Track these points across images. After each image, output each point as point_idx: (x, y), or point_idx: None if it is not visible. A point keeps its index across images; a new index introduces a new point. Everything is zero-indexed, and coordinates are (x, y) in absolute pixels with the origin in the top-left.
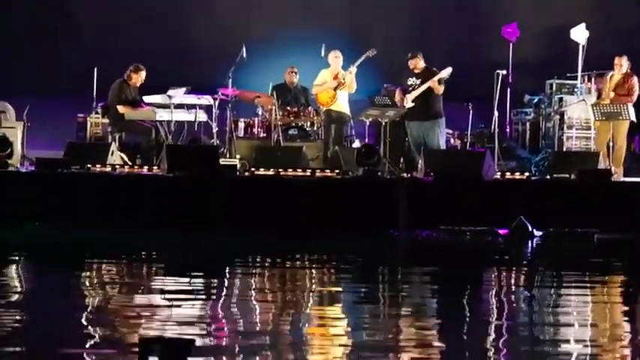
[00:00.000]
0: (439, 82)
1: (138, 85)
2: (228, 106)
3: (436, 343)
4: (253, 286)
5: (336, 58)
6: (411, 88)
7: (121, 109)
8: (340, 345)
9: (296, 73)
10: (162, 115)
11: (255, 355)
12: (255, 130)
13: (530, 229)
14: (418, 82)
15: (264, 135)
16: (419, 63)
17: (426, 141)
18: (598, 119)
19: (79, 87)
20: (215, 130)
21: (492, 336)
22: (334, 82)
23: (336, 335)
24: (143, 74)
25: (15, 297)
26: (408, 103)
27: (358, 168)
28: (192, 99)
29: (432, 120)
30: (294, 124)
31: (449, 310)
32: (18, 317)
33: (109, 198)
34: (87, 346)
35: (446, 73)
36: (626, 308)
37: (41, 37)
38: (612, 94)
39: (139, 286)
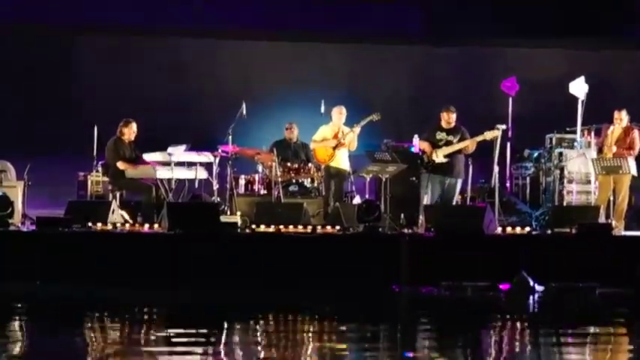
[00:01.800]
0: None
1: (132, 139)
2: (229, 163)
3: None
4: (253, 343)
5: (339, 114)
6: (441, 143)
7: (120, 165)
8: None
9: (293, 130)
10: (163, 172)
11: None
12: (255, 187)
13: (531, 283)
14: (451, 137)
15: (265, 192)
16: (453, 118)
17: (444, 197)
18: (599, 173)
19: (80, 145)
20: (215, 187)
21: None
22: (333, 142)
23: None
24: (134, 126)
25: (17, 353)
26: (440, 158)
27: (359, 224)
28: (192, 156)
29: (456, 178)
30: (294, 181)
31: None
32: None
33: (110, 256)
34: None
35: (492, 135)
36: None
37: (41, 96)
38: (614, 148)
39: (140, 344)
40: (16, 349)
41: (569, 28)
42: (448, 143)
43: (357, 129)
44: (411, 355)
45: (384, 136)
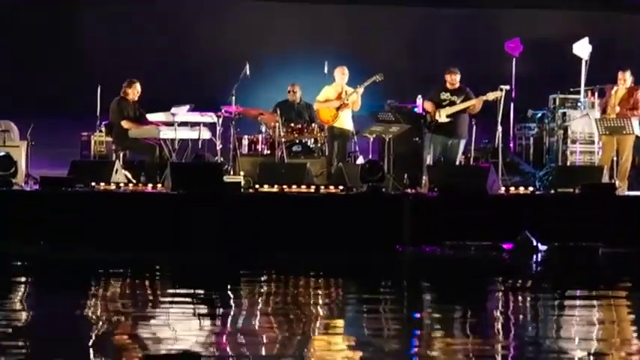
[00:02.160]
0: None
1: (136, 99)
2: (232, 123)
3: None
4: (260, 301)
5: (342, 74)
6: (445, 103)
7: (125, 124)
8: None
9: (296, 91)
10: (166, 133)
11: None
12: (259, 147)
13: (534, 243)
14: (454, 98)
15: (268, 152)
16: (457, 79)
17: (447, 157)
18: (602, 134)
19: (83, 105)
20: (219, 147)
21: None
22: (337, 102)
23: (340, 350)
24: (138, 87)
25: (19, 318)
26: (442, 118)
27: (362, 184)
28: (195, 117)
29: (459, 139)
30: (297, 141)
31: (453, 324)
32: (22, 336)
33: (113, 216)
34: None
35: (494, 95)
36: (634, 324)
37: (44, 55)
38: (617, 109)
39: (144, 304)
40: (20, 310)
41: None
42: (452, 103)
43: (361, 89)
44: (417, 315)
45: (388, 96)
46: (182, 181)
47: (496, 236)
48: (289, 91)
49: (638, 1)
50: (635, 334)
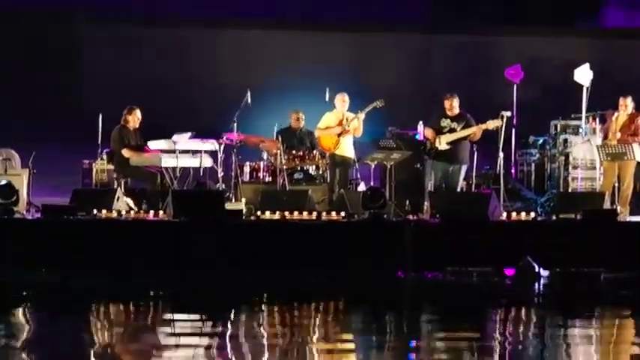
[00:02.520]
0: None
1: (137, 126)
2: (234, 150)
3: None
4: (259, 331)
5: (342, 101)
6: (445, 130)
7: (125, 152)
8: None
9: (300, 118)
10: (168, 160)
11: None
12: (260, 175)
13: (536, 269)
14: (454, 124)
15: (270, 179)
16: (456, 104)
17: (448, 183)
18: (604, 160)
19: (84, 133)
20: (220, 174)
21: None
22: (338, 129)
23: None
24: (138, 113)
25: (23, 342)
26: (442, 145)
27: (364, 211)
28: (197, 144)
29: (459, 165)
30: (299, 168)
31: (459, 349)
32: None
33: (115, 244)
34: None
35: (494, 124)
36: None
37: (45, 83)
38: (619, 135)
39: (146, 330)
40: (21, 337)
41: (570, 15)
42: (452, 130)
43: (362, 115)
44: (414, 344)
45: (389, 123)
46: (184, 209)
47: (498, 262)
48: (294, 119)
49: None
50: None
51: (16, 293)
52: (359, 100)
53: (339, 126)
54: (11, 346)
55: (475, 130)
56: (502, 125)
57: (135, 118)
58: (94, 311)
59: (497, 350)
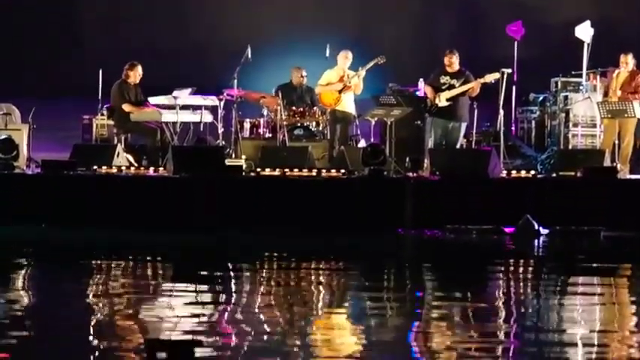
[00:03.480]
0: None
1: (137, 81)
2: (234, 106)
3: (440, 342)
4: (260, 285)
5: (345, 58)
6: (444, 87)
7: (126, 107)
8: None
9: (303, 75)
10: (168, 116)
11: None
12: (260, 131)
13: (536, 227)
14: (454, 81)
15: (270, 135)
16: (455, 61)
17: (448, 141)
18: (604, 117)
19: (85, 88)
20: (221, 130)
21: (498, 335)
22: (339, 85)
23: (343, 338)
24: (139, 69)
25: (23, 299)
26: (442, 102)
27: (364, 168)
28: (197, 100)
29: (459, 122)
30: (299, 124)
31: (456, 308)
32: (25, 320)
33: (115, 199)
34: (95, 347)
35: (492, 77)
36: (635, 306)
37: (46, 39)
38: (619, 92)
39: (146, 288)
40: (23, 293)
41: None
42: (451, 87)
43: (363, 72)
44: (420, 294)
45: (390, 80)
46: (184, 165)
47: (498, 220)
48: (296, 75)
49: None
50: (636, 318)
51: (17, 249)
52: (359, 57)
53: (340, 82)
54: (13, 306)
55: (474, 85)
56: (502, 80)
57: (136, 74)
58: (93, 269)
59: (496, 308)
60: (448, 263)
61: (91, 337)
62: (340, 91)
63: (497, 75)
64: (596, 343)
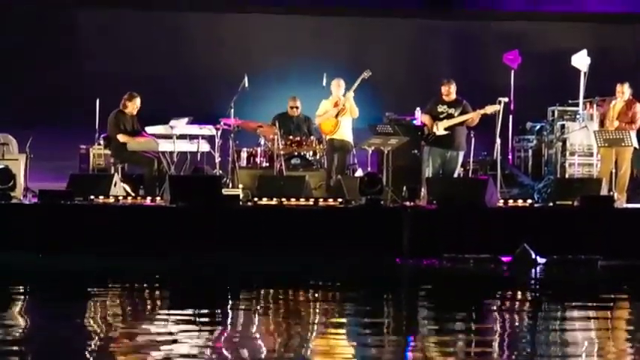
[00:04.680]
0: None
1: (134, 113)
2: (231, 136)
3: None
4: (258, 315)
5: (338, 86)
6: (442, 116)
7: (121, 137)
8: None
9: (298, 106)
10: (165, 145)
11: None
12: (257, 160)
13: (533, 256)
14: (452, 110)
15: (267, 164)
16: (452, 90)
17: (445, 170)
18: (601, 146)
19: (82, 118)
20: (218, 160)
21: None
22: (335, 110)
23: None
24: (138, 101)
25: (19, 328)
26: (440, 131)
27: (361, 197)
28: (194, 129)
29: (457, 151)
30: (296, 154)
31: (454, 337)
32: (22, 347)
33: (112, 229)
34: None
35: (493, 109)
36: (632, 335)
37: (44, 68)
38: (616, 122)
39: (142, 317)
40: (19, 323)
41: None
42: (449, 116)
43: (351, 93)
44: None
45: (386, 109)
46: (181, 194)
47: (495, 249)
48: (291, 107)
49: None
50: (633, 346)
51: (13, 278)
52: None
53: (335, 107)
54: (10, 333)
55: (473, 116)
56: (500, 110)
57: (134, 105)
58: (90, 298)
59: (493, 337)
60: (445, 292)
61: None
62: (337, 116)
63: (497, 107)
64: None
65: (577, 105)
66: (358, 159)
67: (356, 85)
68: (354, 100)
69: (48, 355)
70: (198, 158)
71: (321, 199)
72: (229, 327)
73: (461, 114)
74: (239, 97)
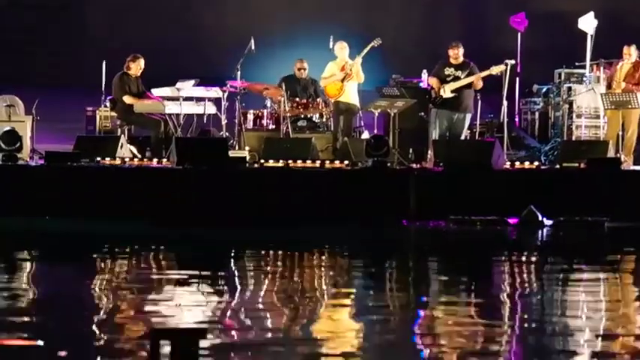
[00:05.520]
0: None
1: (138, 74)
2: (237, 98)
3: (447, 331)
4: (264, 277)
5: (342, 49)
6: (449, 79)
7: (127, 99)
8: (350, 332)
9: (305, 68)
10: (171, 107)
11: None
12: (264, 122)
13: (540, 218)
14: (459, 73)
15: (274, 127)
16: (460, 53)
17: (452, 132)
18: (608, 108)
19: (88, 80)
20: (224, 122)
21: (502, 326)
22: (341, 74)
23: (346, 326)
24: (142, 62)
25: (26, 292)
26: (447, 93)
27: (367, 159)
28: (200, 91)
29: (464, 113)
30: (303, 116)
31: (461, 298)
32: (32, 311)
33: (118, 191)
34: (99, 337)
35: (498, 70)
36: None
37: (50, 31)
38: (623, 84)
39: (149, 279)
40: (26, 286)
41: None
42: (456, 79)
43: (359, 59)
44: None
45: (393, 71)
46: (187, 156)
47: (501, 211)
48: (298, 69)
49: None
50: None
51: (20, 240)
52: (363, 46)
53: (342, 72)
54: (17, 298)
55: (479, 77)
56: (506, 71)
57: (137, 67)
58: (96, 261)
59: (500, 299)
60: (451, 254)
61: (95, 327)
62: (343, 80)
63: (502, 67)
64: (600, 334)
65: (584, 67)
66: (365, 121)
67: (365, 51)
68: (361, 65)
69: (55, 319)
70: (205, 120)
71: (328, 162)
72: (236, 290)
73: (467, 76)
74: (245, 59)
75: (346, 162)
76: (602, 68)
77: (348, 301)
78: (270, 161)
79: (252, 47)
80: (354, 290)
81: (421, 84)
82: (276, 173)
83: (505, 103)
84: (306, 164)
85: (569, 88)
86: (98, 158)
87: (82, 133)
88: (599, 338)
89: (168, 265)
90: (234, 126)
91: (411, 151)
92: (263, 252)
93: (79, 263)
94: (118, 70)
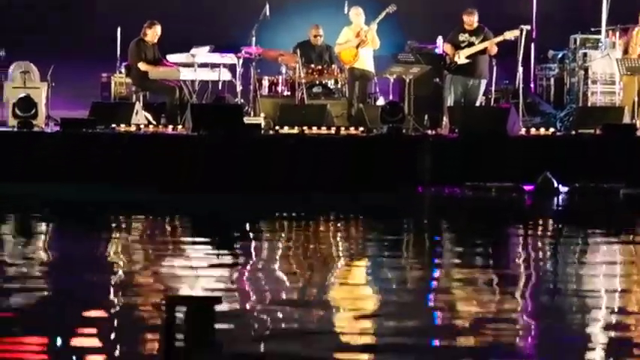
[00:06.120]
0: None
1: (155, 41)
2: (252, 64)
3: (462, 297)
4: (280, 243)
5: (357, 15)
6: (463, 45)
7: (142, 66)
8: (367, 300)
9: (320, 35)
10: (186, 74)
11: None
12: (279, 89)
13: (555, 184)
14: (473, 39)
15: (289, 93)
16: (474, 19)
17: (467, 98)
18: (624, 74)
19: (103, 46)
20: (239, 88)
21: (517, 290)
22: (356, 40)
23: (363, 293)
24: (158, 29)
25: (41, 256)
26: (461, 59)
27: (382, 125)
28: (215, 58)
29: (479, 79)
30: (318, 82)
31: (477, 264)
32: (45, 276)
33: (134, 157)
34: (115, 302)
35: (512, 34)
36: None
37: None
38: (639, 50)
39: (164, 247)
40: (42, 251)
41: None
42: (471, 44)
43: (374, 25)
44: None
45: (408, 37)
46: (202, 123)
47: (517, 178)
48: (314, 35)
49: None
50: None
51: (35, 207)
52: (378, 12)
53: (357, 38)
54: (34, 264)
55: (493, 42)
56: (521, 37)
57: (154, 33)
58: (111, 227)
59: (515, 266)
60: (467, 220)
61: (110, 293)
62: (357, 47)
63: (516, 32)
64: (616, 304)
65: (599, 33)
66: (380, 87)
67: (380, 18)
68: (376, 31)
69: (70, 284)
70: (220, 87)
71: (343, 128)
72: (252, 258)
73: (481, 42)
74: (260, 25)
75: (361, 128)
76: (617, 34)
77: (362, 264)
78: (285, 128)
79: (267, 13)
80: (366, 257)
81: (436, 50)
82: (291, 140)
83: (520, 69)
84: (321, 131)
85: (585, 54)
86: (113, 125)
87: (97, 100)
88: (617, 293)
89: (183, 232)
90: (249, 92)
91: (426, 117)
92: (276, 218)
93: (94, 228)
94: (134, 36)
